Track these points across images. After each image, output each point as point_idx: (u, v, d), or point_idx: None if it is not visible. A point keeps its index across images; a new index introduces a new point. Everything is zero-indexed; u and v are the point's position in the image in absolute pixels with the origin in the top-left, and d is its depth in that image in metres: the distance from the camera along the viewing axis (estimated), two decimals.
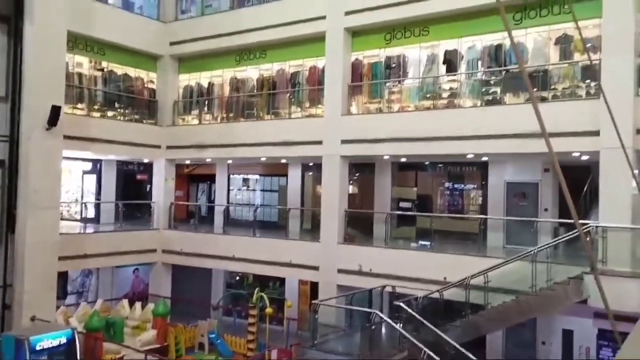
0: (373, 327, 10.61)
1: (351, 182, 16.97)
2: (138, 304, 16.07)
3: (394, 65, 14.86)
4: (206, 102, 18.78)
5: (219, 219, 19.30)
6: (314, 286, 15.90)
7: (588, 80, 12.07)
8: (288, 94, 16.84)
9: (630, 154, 10.25)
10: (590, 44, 11.86)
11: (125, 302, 16.36)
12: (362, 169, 17.47)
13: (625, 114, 10.58)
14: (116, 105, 18.29)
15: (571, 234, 10.99)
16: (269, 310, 13.26)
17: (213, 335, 14.78)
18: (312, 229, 17.40)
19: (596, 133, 10.98)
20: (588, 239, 10.63)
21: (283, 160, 18.59)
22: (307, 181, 19.07)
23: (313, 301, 12.24)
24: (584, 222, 10.75)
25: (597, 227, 10.46)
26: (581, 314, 11.83)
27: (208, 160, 19.84)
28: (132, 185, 21.44)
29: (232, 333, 15.51)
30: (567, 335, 13.44)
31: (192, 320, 15.74)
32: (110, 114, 17.97)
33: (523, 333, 13.76)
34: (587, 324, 12.36)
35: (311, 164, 18.34)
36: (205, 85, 18.76)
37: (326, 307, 11.96)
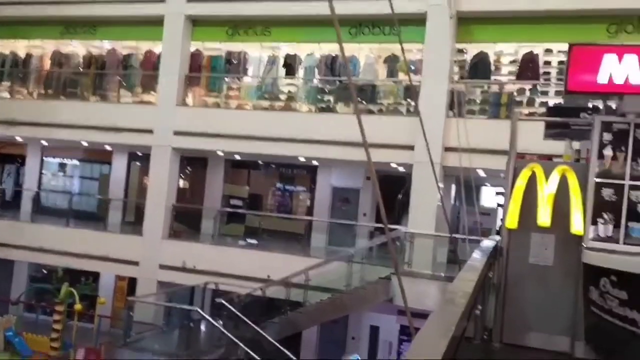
0: (191, 324, 10.38)
1: (182, 175, 16.46)
2: None
3: (234, 61, 14.77)
4: (21, 74, 16.73)
5: (27, 205, 17.29)
6: (133, 282, 15.08)
7: (409, 100, 13.24)
8: (118, 77, 15.76)
9: (438, 169, 11.48)
10: (413, 66, 13.04)
11: None
12: (193, 163, 17.03)
13: (437, 132, 11.79)
14: None
15: (386, 238, 11.92)
16: (78, 306, 12.28)
17: (10, 333, 13.28)
18: (135, 222, 16.48)
19: (412, 148, 12.06)
20: (398, 243, 11.68)
21: (107, 147, 17.32)
22: (133, 171, 18.00)
23: (128, 297, 11.60)
24: (393, 227, 11.74)
25: (405, 232, 11.52)
26: (387, 312, 12.91)
27: (18, 139, 17.66)
28: None
29: (34, 331, 14.05)
30: (374, 331, 14.57)
31: None
32: None
33: (335, 329, 14.58)
34: (391, 321, 13.54)
35: (139, 153, 17.36)
36: (22, 55, 16.71)
37: (144, 305, 11.42)
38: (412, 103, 12.89)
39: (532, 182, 5.59)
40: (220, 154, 15.52)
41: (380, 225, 13.88)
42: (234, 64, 14.74)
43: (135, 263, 14.16)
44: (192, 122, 14.14)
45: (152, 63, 15.29)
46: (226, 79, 14.93)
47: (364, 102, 13.30)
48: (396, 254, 9.52)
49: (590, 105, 6.14)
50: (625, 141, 5.15)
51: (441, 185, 11.88)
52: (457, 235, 11.74)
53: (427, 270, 11.29)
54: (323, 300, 11.52)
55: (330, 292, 11.55)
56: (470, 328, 4.85)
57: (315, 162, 15.60)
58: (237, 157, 16.10)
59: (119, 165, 17.92)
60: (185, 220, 15.31)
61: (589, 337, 5.13)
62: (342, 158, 13.03)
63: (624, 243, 5.07)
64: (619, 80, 5.10)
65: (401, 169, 13.36)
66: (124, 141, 15.14)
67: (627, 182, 5.11)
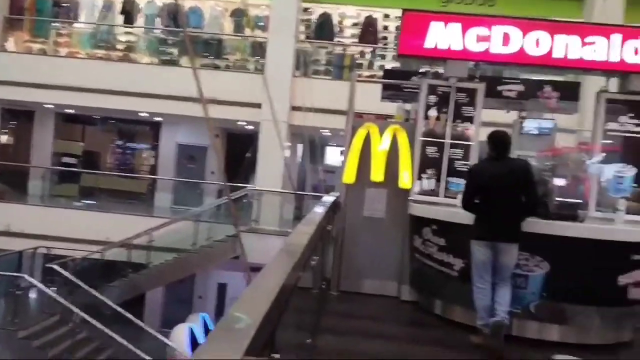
0: (18, 292, 9.54)
1: (4, 130, 14.69)
2: None
3: (64, 4, 13.32)
4: None
5: None
6: None
7: (257, 57, 13.11)
8: None
9: (285, 128, 11.65)
10: (261, 23, 12.90)
11: None
12: (18, 117, 15.25)
13: (284, 91, 11.87)
14: None
15: (227, 197, 11.92)
16: None
17: None
18: None
19: (259, 106, 12.02)
20: (245, 201, 11.77)
21: None
22: None
23: None
24: (241, 185, 11.77)
25: (253, 190, 11.62)
26: (235, 269, 13.03)
27: None
28: None
29: None
30: (221, 289, 14.66)
31: None
32: None
33: (181, 289, 14.40)
34: (239, 277, 13.70)
35: None
36: None
37: None
38: (261, 60, 12.82)
39: (367, 141, 5.94)
40: (49, 106, 14.09)
41: (225, 183, 13.77)
42: (64, 8, 13.32)
43: None
44: (14, 70, 12.54)
45: None
46: (55, 24, 13.44)
47: (210, 56, 12.89)
48: (241, 212, 9.57)
49: (422, 69, 6.60)
50: (447, 103, 5.66)
51: (288, 143, 12.12)
52: (301, 192, 12.17)
53: (274, 226, 11.56)
54: (168, 261, 11.29)
55: (176, 252, 11.33)
56: (310, 279, 5.08)
57: (158, 118, 14.90)
58: (70, 111, 14.75)
59: None
60: (9, 180, 13.77)
61: (413, 280, 5.68)
62: (186, 114, 12.53)
63: (444, 196, 5.64)
64: (443, 46, 5.54)
65: (250, 127, 13.33)
66: None
67: (448, 141, 5.65)
